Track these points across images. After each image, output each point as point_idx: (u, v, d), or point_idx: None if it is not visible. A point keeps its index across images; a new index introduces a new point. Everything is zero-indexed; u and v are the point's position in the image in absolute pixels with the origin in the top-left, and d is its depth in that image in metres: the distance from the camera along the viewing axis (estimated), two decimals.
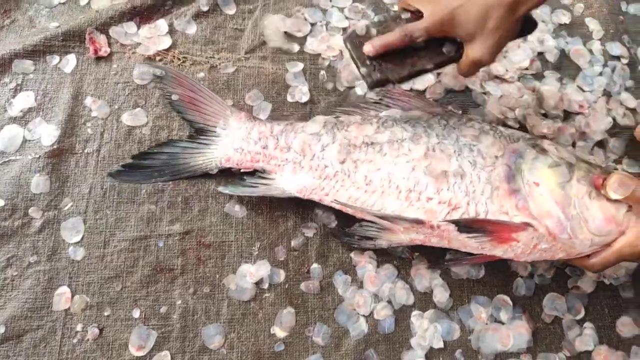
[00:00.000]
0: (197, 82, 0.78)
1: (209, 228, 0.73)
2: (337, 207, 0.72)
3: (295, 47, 0.88)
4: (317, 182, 0.71)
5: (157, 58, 0.83)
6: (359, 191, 0.70)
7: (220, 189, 0.74)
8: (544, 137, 0.83)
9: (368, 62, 0.70)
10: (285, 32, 0.88)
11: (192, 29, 0.86)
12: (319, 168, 0.71)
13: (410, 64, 0.71)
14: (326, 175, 0.71)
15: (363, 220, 0.73)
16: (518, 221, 0.66)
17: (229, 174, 0.76)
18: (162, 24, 0.85)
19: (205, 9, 0.87)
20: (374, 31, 0.71)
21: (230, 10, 0.89)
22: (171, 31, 0.85)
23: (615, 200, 0.64)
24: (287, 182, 0.72)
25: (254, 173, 0.75)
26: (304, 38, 0.89)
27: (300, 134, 0.73)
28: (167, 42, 0.84)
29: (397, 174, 0.69)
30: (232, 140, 0.74)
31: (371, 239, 0.72)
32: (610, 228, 0.64)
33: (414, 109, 0.76)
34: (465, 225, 0.66)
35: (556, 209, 0.65)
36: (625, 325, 0.76)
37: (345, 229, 0.74)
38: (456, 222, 0.65)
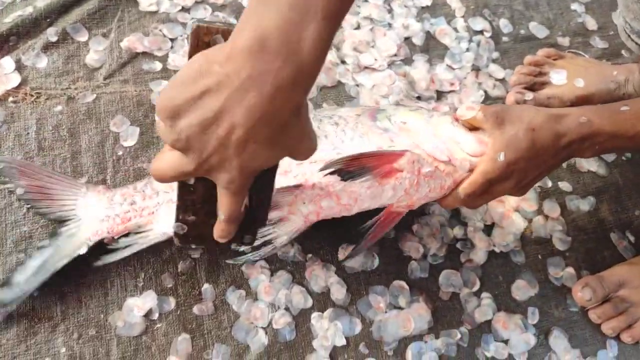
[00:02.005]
0: (40, 167, 0.75)
1: (87, 267, 0.74)
2: None
3: (158, 66, 0.89)
4: None
5: (9, 98, 0.82)
6: None
7: (99, 263, 0.71)
8: None
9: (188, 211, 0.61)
10: (144, 52, 0.90)
11: (43, 62, 0.86)
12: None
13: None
14: None
15: None
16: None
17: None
18: (7, 61, 0.84)
19: (54, 39, 0.87)
20: None
21: (83, 37, 0.89)
22: (19, 67, 0.84)
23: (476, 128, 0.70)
24: (164, 223, 0.71)
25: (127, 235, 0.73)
26: (166, 55, 0.91)
27: None
28: (15, 79, 0.83)
29: None
30: (96, 213, 0.72)
31: (270, 242, 0.71)
32: (482, 148, 0.69)
33: None
34: (345, 170, 0.65)
35: (429, 134, 0.70)
36: (519, 289, 0.83)
37: (238, 247, 0.71)
38: (334, 167, 0.64)
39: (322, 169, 0.65)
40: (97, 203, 0.72)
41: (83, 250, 0.71)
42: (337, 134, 0.71)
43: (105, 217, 0.71)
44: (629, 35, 0.90)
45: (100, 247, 0.72)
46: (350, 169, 0.65)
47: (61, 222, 0.73)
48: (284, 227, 0.71)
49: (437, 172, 0.69)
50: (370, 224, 0.72)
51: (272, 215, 0.69)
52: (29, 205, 0.75)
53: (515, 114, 0.68)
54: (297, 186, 0.69)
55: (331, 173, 0.65)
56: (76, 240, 0.71)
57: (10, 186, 0.75)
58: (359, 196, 0.70)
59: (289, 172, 0.69)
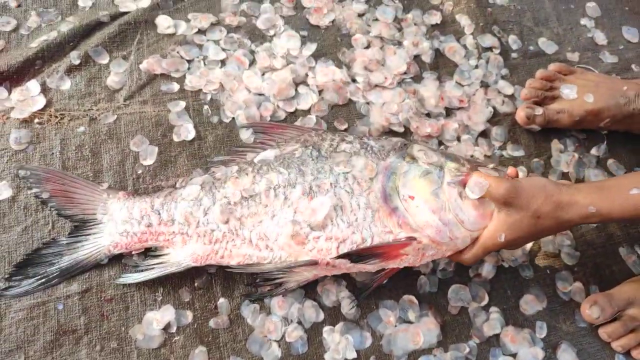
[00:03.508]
0: (63, 172, 0.83)
1: (108, 282, 0.79)
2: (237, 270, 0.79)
3: (175, 87, 0.95)
4: (208, 247, 0.77)
5: (35, 120, 0.88)
6: (251, 248, 0.77)
7: (120, 280, 0.78)
8: (420, 140, 0.95)
9: None
10: (162, 74, 0.95)
11: (66, 85, 0.91)
12: (206, 234, 0.77)
13: None
14: (215, 239, 0.77)
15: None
16: (402, 237, 0.75)
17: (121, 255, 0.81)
18: (33, 84, 0.90)
19: (77, 62, 0.93)
20: None
21: (104, 60, 0.95)
22: (44, 90, 0.90)
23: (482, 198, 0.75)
24: (180, 254, 0.78)
25: (146, 253, 0.80)
26: (183, 76, 0.96)
27: (180, 203, 0.78)
28: (41, 102, 0.89)
29: (281, 222, 0.76)
30: (115, 224, 0.78)
31: (281, 285, 0.79)
32: (484, 222, 0.76)
33: (289, 140, 0.84)
34: (356, 255, 0.75)
35: (433, 217, 0.75)
36: (528, 303, 0.87)
37: (253, 285, 0.81)
38: (347, 256, 0.74)
39: (337, 258, 0.75)
40: (118, 212, 0.79)
41: (104, 260, 0.78)
42: (351, 208, 0.77)
43: (124, 232, 0.78)
44: None
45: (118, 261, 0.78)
46: (362, 255, 0.75)
47: (83, 224, 0.80)
48: (295, 277, 0.79)
49: (439, 251, 0.78)
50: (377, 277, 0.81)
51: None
52: (53, 209, 0.81)
53: (524, 199, 0.73)
54: (313, 262, 0.76)
55: (343, 256, 0.75)
56: (95, 243, 0.78)
57: (36, 191, 0.81)
58: (365, 269, 0.80)
59: (305, 243, 0.76)
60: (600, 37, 1.15)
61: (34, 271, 0.77)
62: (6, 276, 0.77)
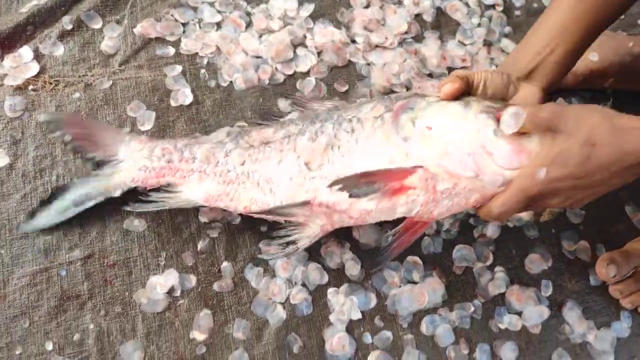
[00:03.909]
0: (85, 117, 0.84)
1: (110, 247, 0.80)
2: (243, 212, 0.78)
3: (171, 51, 0.94)
4: (221, 187, 0.77)
5: (29, 87, 0.88)
6: (257, 190, 0.76)
7: (128, 208, 0.78)
8: None
9: None
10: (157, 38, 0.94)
11: (60, 50, 0.91)
12: (222, 173, 0.77)
13: None
14: (229, 180, 0.77)
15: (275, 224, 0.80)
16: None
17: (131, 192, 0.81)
18: (26, 51, 0.89)
19: (69, 27, 0.92)
20: None
21: (97, 25, 0.94)
22: (37, 56, 0.90)
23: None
24: (193, 192, 0.78)
25: (159, 189, 0.80)
26: (178, 40, 0.95)
27: (204, 144, 0.79)
28: (34, 68, 0.88)
29: (287, 165, 0.75)
30: (135, 161, 0.79)
31: (294, 243, 0.76)
32: (520, 159, 0.63)
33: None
34: (352, 186, 0.67)
35: (453, 146, 0.65)
36: (533, 262, 0.88)
37: (266, 245, 0.82)
38: (339, 184, 0.67)
39: (329, 186, 0.68)
40: (138, 150, 0.80)
41: (117, 193, 0.79)
42: (349, 145, 0.72)
43: (143, 167, 0.79)
44: None
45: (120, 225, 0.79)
46: (357, 186, 0.67)
47: (102, 164, 0.80)
48: (305, 232, 0.76)
49: (456, 188, 0.66)
50: (394, 232, 0.73)
51: (295, 220, 0.76)
52: (76, 152, 0.83)
53: (573, 120, 0.59)
54: (306, 203, 0.72)
55: (339, 189, 0.67)
56: (114, 180, 0.79)
57: (57, 135, 0.81)
58: (369, 212, 0.71)
59: (302, 185, 0.73)
60: None
61: (54, 206, 0.79)
62: (30, 211, 0.79)
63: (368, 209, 0.71)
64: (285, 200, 0.74)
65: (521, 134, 0.63)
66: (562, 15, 0.73)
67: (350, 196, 0.68)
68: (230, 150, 0.78)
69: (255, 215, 0.78)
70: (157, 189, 0.80)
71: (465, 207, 0.69)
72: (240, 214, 0.82)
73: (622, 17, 1.06)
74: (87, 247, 0.79)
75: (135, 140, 0.80)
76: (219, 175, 0.78)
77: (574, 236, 0.90)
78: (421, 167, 0.66)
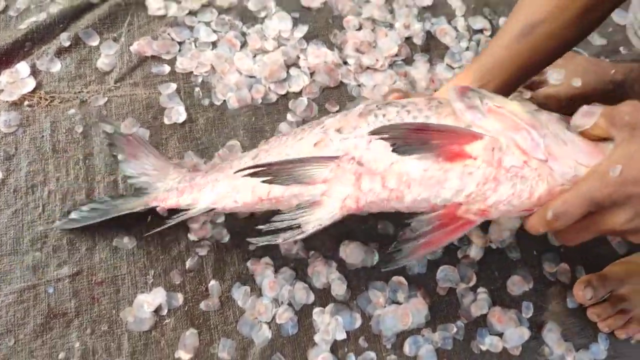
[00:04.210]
0: (146, 143, 0.78)
1: (99, 265, 0.75)
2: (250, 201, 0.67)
3: (166, 69, 0.89)
4: (231, 183, 0.68)
5: (25, 102, 0.83)
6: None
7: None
8: None
9: None
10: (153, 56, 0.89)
11: (57, 67, 0.86)
12: (231, 168, 0.70)
13: None
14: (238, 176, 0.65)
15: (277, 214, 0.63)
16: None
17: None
18: (23, 66, 0.84)
19: (67, 44, 0.87)
20: None
21: (94, 42, 0.89)
22: (34, 72, 0.85)
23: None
24: (205, 200, 0.71)
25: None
26: (174, 58, 0.90)
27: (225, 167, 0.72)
28: (31, 84, 0.83)
29: (310, 136, 0.62)
30: (165, 185, 0.74)
31: (298, 227, 0.60)
32: (594, 156, 0.51)
33: None
34: (401, 138, 0.51)
35: (524, 125, 0.52)
36: (515, 284, 0.83)
37: (263, 228, 0.62)
38: (384, 133, 0.51)
39: (372, 133, 0.52)
40: (173, 179, 0.74)
41: (138, 208, 0.74)
42: (400, 116, 0.56)
43: (170, 188, 0.73)
44: (635, 32, 0.88)
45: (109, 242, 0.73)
46: (408, 140, 0.51)
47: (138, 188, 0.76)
48: (316, 213, 0.59)
49: (525, 169, 0.52)
50: (422, 222, 0.55)
51: (304, 195, 0.59)
52: (123, 172, 0.78)
53: None
54: (334, 158, 0.56)
55: (383, 139, 0.51)
56: (139, 201, 0.74)
57: (113, 150, 0.78)
58: (412, 180, 0.53)
59: (328, 146, 0.57)
60: None
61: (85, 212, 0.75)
62: (65, 210, 0.75)
63: (412, 175, 0.54)
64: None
65: (599, 138, 0.53)
66: (500, 52, 0.68)
67: (394, 151, 0.51)
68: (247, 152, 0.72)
69: (258, 207, 0.67)
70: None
71: (528, 202, 0.52)
72: (231, 233, 0.77)
73: (605, 43, 1.03)
74: (76, 264, 0.74)
75: (176, 171, 0.75)
76: (228, 168, 0.71)
77: (555, 258, 0.86)
78: (489, 134, 0.52)
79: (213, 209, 0.70)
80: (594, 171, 0.49)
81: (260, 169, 0.59)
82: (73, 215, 0.75)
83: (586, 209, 0.49)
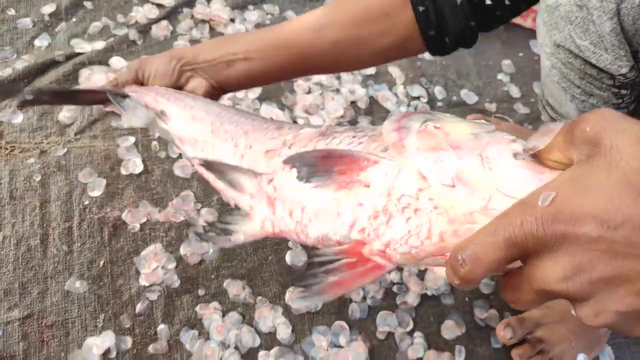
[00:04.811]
0: None
1: (50, 308, 0.76)
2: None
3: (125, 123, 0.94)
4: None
5: None
6: (223, 146, 0.64)
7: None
8: None
9: None
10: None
11: (19, 119, 0.89)
12: None
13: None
14: None
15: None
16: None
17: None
18: None
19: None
20: None
21: None
22: None
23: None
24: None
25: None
26: None
27: None
28: None
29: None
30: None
31: (230, 233, 0.59)
32: (535, 186, 0.34)
33: None
34: (308, 164, 0.46)
35: (447, 146, 0.41)
36: (448, 329, 0.88)
37: (203, 231, 0.62)
38: (295, 160, 0.47)
39: (285, 161, 0.49)
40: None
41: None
42: (352, 142, 0.50)
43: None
44: (544, 107, 0.98)
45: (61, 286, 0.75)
46: (314, 168, 0.46)
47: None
48: (244, 225, 0.58)
49: (421, 199, 0.41)
50: (327, 258, 0.47)
51: (237, 201, 0.59)
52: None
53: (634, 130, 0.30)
54: (256, 174, 0.56)
55: (292, 166, 0.48)
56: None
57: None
58: (312, 213, 0.49)
59: (273, 158, 0.56)
60: (515, 91, 1.21)
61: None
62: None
63: (308, 203, 0.49)
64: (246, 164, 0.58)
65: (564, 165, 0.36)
66: (280, 43, 0.68)
67: (298, 177, 0.46)
68: None
69: (206, 175, 0.65)
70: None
71: (429, 244, 0.41)
72: (181, 279, 0.80)
73: (529, 112, 1.14)
74: (27, 307, 0.75)
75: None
76: None
77: (485, 305, 0.92)
78: (386, 158, 0.44)
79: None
80: (520, 202, 0.33)
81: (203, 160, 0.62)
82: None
83: (504, 254, 0.32)
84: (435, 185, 0.40)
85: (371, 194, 0.44)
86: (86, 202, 0.84)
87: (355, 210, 0.45)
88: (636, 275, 0.28)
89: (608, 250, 0.28)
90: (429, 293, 0.90)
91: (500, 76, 1.23)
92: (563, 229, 0.29)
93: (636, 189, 0.28)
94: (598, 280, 0.29)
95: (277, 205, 0.53)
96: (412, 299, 0.89)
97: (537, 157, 0.38)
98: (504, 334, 0.85)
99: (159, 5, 1.08)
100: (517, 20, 1.27)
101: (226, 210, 0.89)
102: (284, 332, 0.81)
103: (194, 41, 1.06)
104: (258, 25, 1.13)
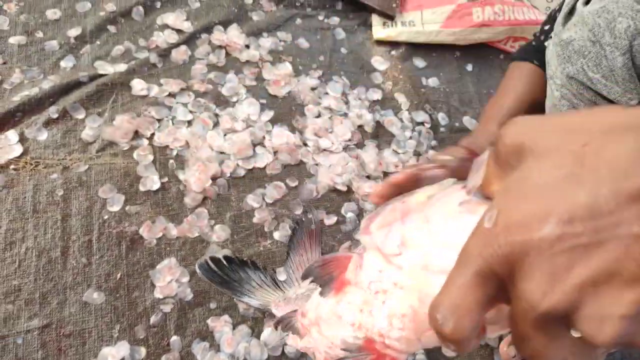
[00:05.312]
0: None
1: (68, 318, 0.77)
2: None
3: (145, 142, 0.96)
4: None
5: (10, 166, 0.88)
6: None
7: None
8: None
9: None
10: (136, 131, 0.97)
11: (44, 136, 0.92)
12: None
13: None
14: None
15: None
16: None
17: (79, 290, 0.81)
18: (12, 134, 0.90)
19: (55, 116, 0.94)
20: None
21: (80, 115, 0.96)
22: (22, 139, 0.90)
23: None
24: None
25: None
26: (152, 134, 0.98)
27: None
28: (18, 150, 0.89)
29: None
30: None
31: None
32: (471, 223, 0.30)
33: None
34: (318, 278, 0.46)
35: (398, 215, 0.39)
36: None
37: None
38: (311, 274, 0.46)
39: (302, 276, 0.48)
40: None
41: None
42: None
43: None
44: None
45: (79, 297, 0.77)
46: (322, 279, 0.46)
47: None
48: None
49: (384, 279, 0.39)
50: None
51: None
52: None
53: (558, 128, 0.28)
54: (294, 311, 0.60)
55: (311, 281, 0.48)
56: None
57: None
58: (323, 322, 0.49)
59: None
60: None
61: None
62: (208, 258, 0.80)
63: (323, 315, 0.49)
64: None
65: None
66: (518, 95, 0.79)
67: (321, 293, 0.47)
68: None
69: None
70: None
71: (409, 323, 0.38)
72: (194, 292, 0.82)
73: None
74: (46, 317, 0.77)
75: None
76: None
77: None
78: (355, 253, 0.43)
79: None
80: (471, 235, 0.28)
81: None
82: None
83: (481, 292, 0.27)
84: (391, 260, 0.38)
85: (355, 290, 0.43)
86: (105, 217, 0.87)
87: (349, 309, 0.44)
88: (618, 263, 0.23)
89: (576, 246, 0.24)
90: None
91: None
92: (520, 240, 0.25)
93: (574, 176, 0.25)
94: (582, 284, 0.24)
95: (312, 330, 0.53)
96: None
97: (483, 194, 0.33)
98: (507, 351, 0.86)
99: (179, 31, 1.12)
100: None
101: (238, 227, 0.91)
102: (291, 346, 0.82)
103: (210, 65, 1.10)
104: (272, 52, 1.16)
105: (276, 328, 0.63)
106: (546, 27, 0.85)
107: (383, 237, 0.38)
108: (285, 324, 0.61)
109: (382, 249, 0.38)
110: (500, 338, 0.91)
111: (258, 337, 0.82)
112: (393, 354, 0.41)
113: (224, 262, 0.80)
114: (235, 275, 0.80)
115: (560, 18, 0.69)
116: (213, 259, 0.79)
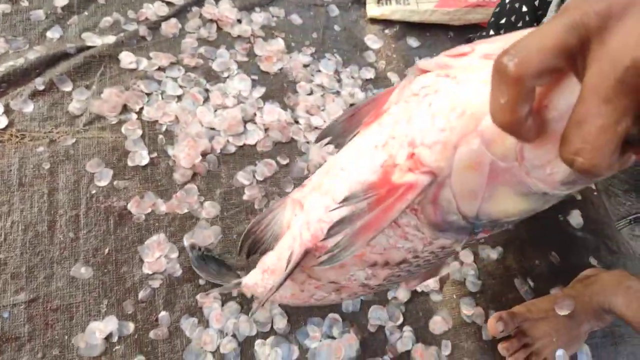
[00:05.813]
0: None
1: (55, 293, 0.75)
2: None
3: (133, 116, 0.93)
4: None
5: None
6: None
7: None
8: None
9: None
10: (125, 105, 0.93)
11: (29, 108, 0.88)
12: None
13: None
14: None
15: None
16: None
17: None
18: None
19: (41, 88, 0.90)
20: None
21: (67, 87, 0.92)
22: (7, 111, 0.87)
23: None
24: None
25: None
26: (141, 108, 0.95)
27: None
28: (3, 122, 0.85)
29: None
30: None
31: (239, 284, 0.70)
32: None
33: None
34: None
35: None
36: (436, 324, 0.89)
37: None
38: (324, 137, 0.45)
39: (317, 140, 0.47)
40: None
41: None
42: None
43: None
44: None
45: (67, 271, 0.75)
46: (342, 134, 0.44)
47: None
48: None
49: (440, 80, 0.37)
50: (355, 198, 0.40)
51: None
52: None
53: None
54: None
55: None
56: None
57: None
58: (328, 177, 0.47)
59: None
60: None
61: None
62: (199, 253, 0.82)
63: (324, 171, 0.48)
64: None
65: None
66: None
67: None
68: None
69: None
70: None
71: (454, 115, 0.34)
72: (183, 268, 0.80)
73: None
74: (33, 291, 0.75)
75: None
76: None
77: (472, 302, 0.93)
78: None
79: None
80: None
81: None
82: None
83: (563, 39, 0.26)
84: (456, 60, 0.37)
85: (393, 108, 0.41)
86: (93, 191, 0.84)
87: (378, 132, 0.41)
88: None
89: None
90: (419, 290, 0.91)
91: None
92: None
93: None
94: None
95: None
96: (402, 294, 0.89)
97: None
98: (496, 326, 0.86)
99: (169, 3, 1.08)
100: None
101: (228, 204, 0.89)
102: (280, 322, 0.81)
103: (201, 40, 1.06)
104: (264, 27, 1.13)
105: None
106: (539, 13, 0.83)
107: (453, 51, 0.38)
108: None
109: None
110: (487, 315, 0.91)
111: (247, 313, 0.81)
112: (411, 181, 0.37)
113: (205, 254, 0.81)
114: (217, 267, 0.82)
115: (553, 5, 0.67)
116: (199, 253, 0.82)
